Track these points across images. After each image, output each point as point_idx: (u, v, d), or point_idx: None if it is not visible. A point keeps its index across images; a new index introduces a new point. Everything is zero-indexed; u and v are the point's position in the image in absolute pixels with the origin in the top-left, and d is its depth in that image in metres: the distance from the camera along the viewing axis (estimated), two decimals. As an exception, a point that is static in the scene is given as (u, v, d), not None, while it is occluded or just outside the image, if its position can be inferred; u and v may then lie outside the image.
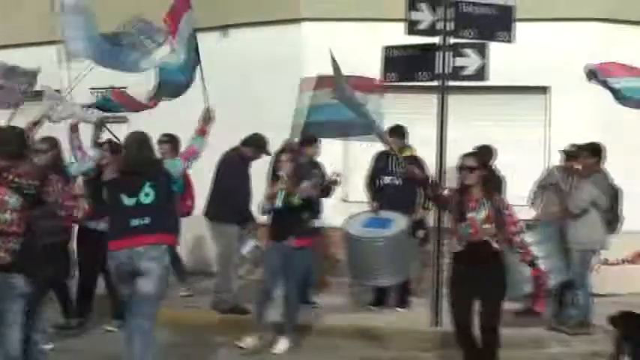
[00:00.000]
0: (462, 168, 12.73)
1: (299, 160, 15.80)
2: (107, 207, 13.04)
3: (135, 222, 12.44)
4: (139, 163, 12.88)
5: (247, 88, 20.34)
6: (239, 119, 18.23)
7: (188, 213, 19.12)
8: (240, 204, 17.14)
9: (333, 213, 17.56)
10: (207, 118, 14.07)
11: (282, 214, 14.70)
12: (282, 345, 14.99)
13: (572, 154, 17.20)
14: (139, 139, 13.24)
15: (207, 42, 20.71)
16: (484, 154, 13.87)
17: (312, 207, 15.91)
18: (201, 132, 13.90)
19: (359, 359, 15.13)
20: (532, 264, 12.86)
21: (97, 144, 16.77)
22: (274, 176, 15.23)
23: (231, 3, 21.59)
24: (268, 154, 17.50)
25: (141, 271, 12.29)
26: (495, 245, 12.30)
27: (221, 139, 16.63)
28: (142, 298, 12.40)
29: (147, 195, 12.53)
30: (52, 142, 16.16)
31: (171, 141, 19.05)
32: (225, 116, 16.77)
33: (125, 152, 13.32)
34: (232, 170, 17.49)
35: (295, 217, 14.93)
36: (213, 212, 17.63)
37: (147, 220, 12.45)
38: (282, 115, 17.38)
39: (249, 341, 14.91)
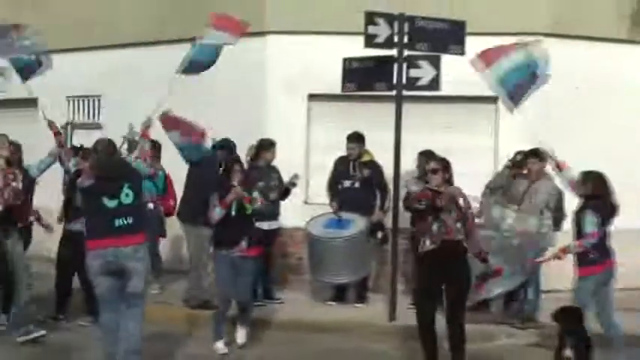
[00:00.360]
0: (429, 171, 13.18)
1: (254, 166, 16.31)
2: (83, 210, 13.61)
3: (118, 222, 12.85)
4: (116, 166, 13.33)
5: (215, 96, 20.59)
6: (208, 123, 18.06)
7: (170, 213, 19.36)
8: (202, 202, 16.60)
9: (295, 214, 17.73)
10: (147, 124, 14.54)
11: (234, 222, 14.78)
12: (242, 336, 15.15)
13: (518, 163, 17.50)
14: (109, 145, 13.62)
15: (180, 52, 21.42)
16: (447, 163, 13.30)
17: (274, 214, 16.62)
18: (144, 136, 14.40)
19: (323, 351, 15.37)
20: (484, 260, 13.60)
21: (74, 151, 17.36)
22: (225, 185, 15.00)
23: (200, 15, 21.46)
24: (236, 158, 16.78)
25: (128, 270, 12.83)
26: (465, 244, 12.87)
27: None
28: (132, 297, 12.95)
29: (127, 196, 12.94)
30: (17, 147, 16.64)
31: (152, 146, 19.36)
32: (193, 120, 17.59)
33: (98, 158, 13.43)
34: (201, 174, 17.63)
35: (248, 224, 15.07)
36: (185, 214, 17.88)
37: (130, 220, 12.91)
38: (245, 121, 18.32)
39: (219, 346, 14.87)
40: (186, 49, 20.75)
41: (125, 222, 12.93)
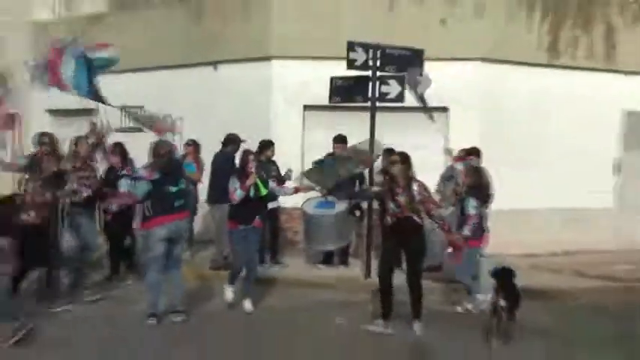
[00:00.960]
0: (390, 162, 13.43)
1: (258, 160, 16.46)
2: (153, 195, 13.81)
3: (177, 203, 13.89)
4: (175, 166, 14.47)
5: (228, 111, 20.60)
6: (222, 131, 18.33)
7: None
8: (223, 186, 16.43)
9: (293, 198, 17.26)
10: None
11: (251, 202, 14.74)
12: (248, 304, 14.91)
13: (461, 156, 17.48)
14: (170, 149, 14.38)
15: (202, 74, 21.58)
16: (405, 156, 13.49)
17: (274, 197, 16.60)
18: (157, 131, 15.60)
19: (317, 301, 15.49)
20: (449, 231, 13.63)
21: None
22: (242, 172, 14.89)
23: (220, 43, 21.55)
24: (250, 151, 16.87)
25: (179, 238, 14.03)
26: (417, 220, 12.95)
27: (212, 146, 17.84)
28: (177, 259, 14.02)
29: (181, 184, 13.98)
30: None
31: (194, 144, 19.37)
32: (213, 128, 17.79)
33: (164, 160, 13.99)
34: (221, 165, 17.79)
35: (261, 204, 15.21)
36: (211, 197, 18.00)
37: (182, 202, 14.01)
38: (254, 126, 18.73)
39: (229, 291, 14.96)
40: (209, 70, 20.93)
41: (180, 203, 13.93)
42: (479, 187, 15.04)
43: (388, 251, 13.43)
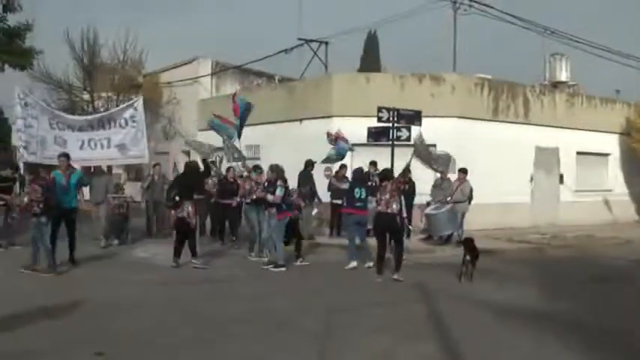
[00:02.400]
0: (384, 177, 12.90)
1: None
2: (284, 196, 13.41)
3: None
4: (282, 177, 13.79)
5: (307, 147, 19.50)
6: (303, 159, 17.98)
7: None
8: (310, 193, 17.04)
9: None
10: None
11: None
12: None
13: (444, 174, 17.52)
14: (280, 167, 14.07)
15: (290, 127, 21.58)
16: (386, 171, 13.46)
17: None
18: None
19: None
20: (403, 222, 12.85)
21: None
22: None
23: (303, 108, 21.60)
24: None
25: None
26: (392, 211, 12.25)
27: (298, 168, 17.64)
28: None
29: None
30: None
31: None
32: (298, 158, 17.61)
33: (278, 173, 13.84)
34: (305, 178, 17.52)
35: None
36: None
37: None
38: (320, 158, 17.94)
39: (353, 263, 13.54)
40: (296, 125, 20.72)
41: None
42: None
43: (378, 230, 12.84)
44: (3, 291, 10.61)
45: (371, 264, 13.21)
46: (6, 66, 20.66)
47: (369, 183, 16.05)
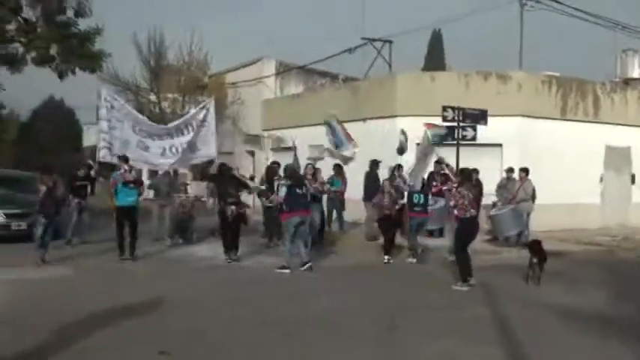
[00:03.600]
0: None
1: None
2: (288, 196, 13.06)
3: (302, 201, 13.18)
4: (301, 178, 13.81)
5: (371, 147, 20.00)
6: (368, 159, 18.25)
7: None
8: (372, 192, 16.56)
9: None
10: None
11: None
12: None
13: (510, 173, 17.51)
14: (295, 169, 14.30)
15: (355, 126, 21.58)
16: (468, 172, 12.76)
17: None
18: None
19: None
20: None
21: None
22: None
23: (367, 107, 21.43)
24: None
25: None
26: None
27: (361, 168, 17.51)
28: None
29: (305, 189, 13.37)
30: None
31: (338, 167, 18.81)
32: (363, 157, 17.51)
33: (295, 173, 13.81)
34: (370, 177, 17.75)
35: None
36: (366, 196, 17.45)
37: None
38: (386, 157, 18.01)
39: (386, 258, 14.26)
40: (360, 124, 20.69)
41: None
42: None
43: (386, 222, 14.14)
44: (70, 287, 10.97)
45: (414, 260, 14.28)
46: (77, 69, 21.25)
47: (434, 183, 15.97)
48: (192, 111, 19.24)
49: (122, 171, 14.28)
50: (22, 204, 16.44)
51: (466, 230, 11.64)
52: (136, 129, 16.99)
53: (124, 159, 14.76)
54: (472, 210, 11.61)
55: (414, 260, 14.39)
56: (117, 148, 16.48)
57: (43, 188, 13.35)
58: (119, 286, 11.16)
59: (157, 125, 18.59)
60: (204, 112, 17.67)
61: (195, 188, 23.54)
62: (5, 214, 16.33)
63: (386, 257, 14.27)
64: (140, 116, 18.26)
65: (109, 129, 16.68)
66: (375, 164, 17.73)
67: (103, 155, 16.65)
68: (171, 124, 18.26)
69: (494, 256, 15.54)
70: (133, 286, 11.17)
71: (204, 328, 8.36)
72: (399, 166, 16.48)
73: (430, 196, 15.20)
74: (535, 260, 11.86)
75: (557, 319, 9.18)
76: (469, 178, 12.39)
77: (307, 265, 13.08)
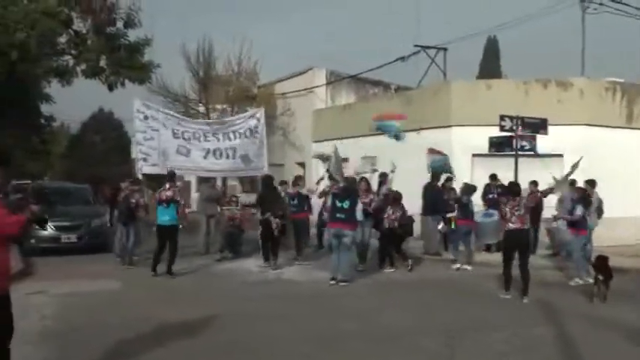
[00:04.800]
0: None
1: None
2: (330, 206, 13.34)
3: (339, 215, 13.06)
4: (346, 190, 13.52)
5: (424, 163, 19.13)
6: (420, 170, 17.84)
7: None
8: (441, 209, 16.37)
9: None
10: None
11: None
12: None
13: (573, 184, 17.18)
14: (352, 181, 14.36)
15: (410, 136, 21.31)
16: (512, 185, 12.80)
17: None
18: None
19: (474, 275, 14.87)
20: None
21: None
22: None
23: (420, 114, 21.04)
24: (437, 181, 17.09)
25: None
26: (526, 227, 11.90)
27: (418, 178, 17.39)
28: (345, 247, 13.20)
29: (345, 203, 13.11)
30: None
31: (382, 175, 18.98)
32: (419, 168, 17.37)
33: (343, 186, 13.71)
34: (431, 191, 17.15)
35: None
36: (424, 211, 17.22)
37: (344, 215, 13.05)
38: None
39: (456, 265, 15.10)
40: (414, 135, 20.53)
41: (341, 216, 13.12)
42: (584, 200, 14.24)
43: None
44: (119, 301, 11.13)
45: (463, 266, 15.04)
46: (126, 81, 21.59)
47: (490, 195, 15.93)
48: (240, 116, 19.41)
49: (161, 188, 14.48)
50: (73, 216, 16.73)
51: (505, 243, 12.03)
52: (177, 132, 17.14)
53: (169, 176, 14.82)
54: (511, 224, 11.70)
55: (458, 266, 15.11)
56: (154, 159, 16.71)
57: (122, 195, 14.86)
58: (167, 301, 11.28)
59: (201, 120, 18.65)
60: (254, 121, 17.77)
61: (245, 200, 23.65)
62: (55, 227, 16.47)
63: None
64: (180, 116, 18.45)
65: (145, 140, 16.96)
66: (435, 176, 17.41)
67: (140, 167, 16.92)
68: (215, 121, 18.31)
69: (556, 272, 15.22)
70: (182, 302, 11.26)
71: (256, 346, 8.36)
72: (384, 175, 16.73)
73: (484, 210, 15.21)
74: (600, 277, 11.59)
75: (624, 339, 8.92)
76: (513, 191, 12.31)
77: (338, 282, 13.07)
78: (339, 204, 13.14)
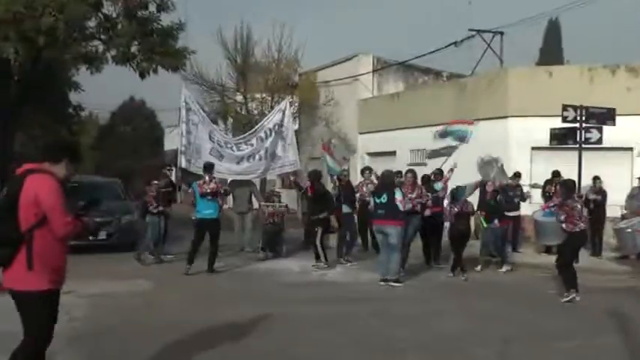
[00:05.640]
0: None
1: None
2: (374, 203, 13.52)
3: (380, 211, 13.15)
4: (385, 185, 13.55)
5: (482, 151, 19.37)
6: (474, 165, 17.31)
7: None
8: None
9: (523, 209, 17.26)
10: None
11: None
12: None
13: None
14: (390, 174, 14.05)
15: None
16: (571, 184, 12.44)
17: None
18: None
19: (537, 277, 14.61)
20: None
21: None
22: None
23: (474, 104, 20.93)
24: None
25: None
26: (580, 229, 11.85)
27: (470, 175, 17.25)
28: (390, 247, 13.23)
29: (383, 198, 13.17)
30: None
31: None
32: (471, 167, 17.12)
33: (379, 181, 14.03)
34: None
35: None
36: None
37: (383, 211, 13.14)
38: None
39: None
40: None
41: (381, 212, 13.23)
42: None
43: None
44: (152, 303, 11.21)
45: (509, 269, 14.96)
46: (159, 68, 21.63)
47: (551, 194, 15.79)
48: (269, 115, 19.58)
49: (201, 181, 14.66)
50: (103, 212, 16.85)
51: (575, 244, 11.96)
52: (213, 137, 17.49)
53: (208, 167, 15.04)
54: (581, 224, 11.72)
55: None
56: (189, 154, 17.00)
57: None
58: (202, 303, 11.32)
59: (234, 138, 19.03)
60: (279, 115, 17.73)
61: (285, 197, 23.68)
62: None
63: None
64: (215, 127, 18.83)
65: (186, 132, 17.26)
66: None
67: (180, 160, 17.27)
68: (247, 134, 18.53)
69: (622, 277, 14.92)
70: (218, 304, 11.29)
71: (302, 354, 8.32)
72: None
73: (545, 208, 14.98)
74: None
75: None
76: (572, 189, 12.24)
77: (385, 283, 13.10)
78: (377, 200, 13.32)
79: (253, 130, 18.69)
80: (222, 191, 14.84)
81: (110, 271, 14.10)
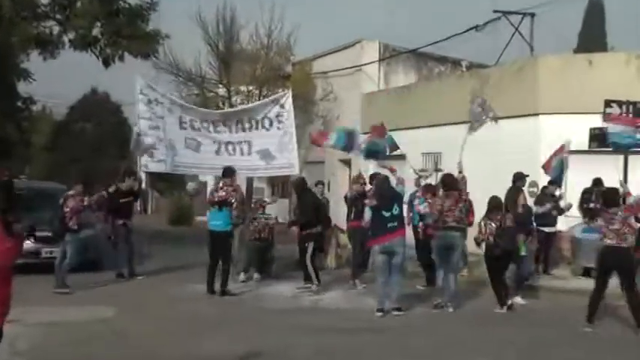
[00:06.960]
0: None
1: None
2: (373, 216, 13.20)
3: (390, 224, 12.87)
4: (390, 194, 13.21)
5: (504, 154, 19.84)
6: (499, 169, 17.89)
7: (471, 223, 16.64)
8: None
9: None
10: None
11: None
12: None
13: None
14: (386, 179, 13.74)
15: (482, 129, 21.14)
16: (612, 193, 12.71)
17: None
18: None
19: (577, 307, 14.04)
20: None
21: None
22: None
23: (499, 99, 20.29)
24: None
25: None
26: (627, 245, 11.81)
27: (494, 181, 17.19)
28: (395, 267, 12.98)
29: (395, 209, 12.93)
30: None
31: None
32: (494, 166, 17.09)
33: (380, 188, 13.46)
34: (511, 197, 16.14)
35: None
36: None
37: (396, 223, 12.92)
38: (525, 162, 17.86)
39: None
40: (490, 125, 20.34)
41: (393, 224, 12.90)
42: None
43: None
44: (114, 333, 11.06)
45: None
46: (126, 54, 21.43)
47: (590, 205, 16.26)
48: (260, 102, 19.32)
49: (214, 187, 15.05)
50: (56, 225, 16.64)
51: (599, 262, 12.07)
52: (184, 121, 16.99)
53: (226, 172, 15.09)
54: (608, 240, 11.67)
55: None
56: (161, 154, 16.67)
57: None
58: (173, 333, 11.16)
59: (211, 110, 18.60)
60: (276, 108, 17.38)
61: (275, 208, 23.50)
62: (35, 237, 16.37)
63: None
64: (188, 104, 18.45)
65: (150, 129, 16.73)
66: (519, 178, 16.95)
67: (144, 163, 16.91)
68: (229, 110, 18.15)
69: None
70: (193, 334, 11.12)
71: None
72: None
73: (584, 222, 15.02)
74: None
75: None
76: (608, 199, 12.38)
77: (386, 314, 12.89)
78: (386, 214, 12.94)
79: (234, 110, 18.32)
80: (232, 200, 14.71)
81: (64, 295, 13.99)
